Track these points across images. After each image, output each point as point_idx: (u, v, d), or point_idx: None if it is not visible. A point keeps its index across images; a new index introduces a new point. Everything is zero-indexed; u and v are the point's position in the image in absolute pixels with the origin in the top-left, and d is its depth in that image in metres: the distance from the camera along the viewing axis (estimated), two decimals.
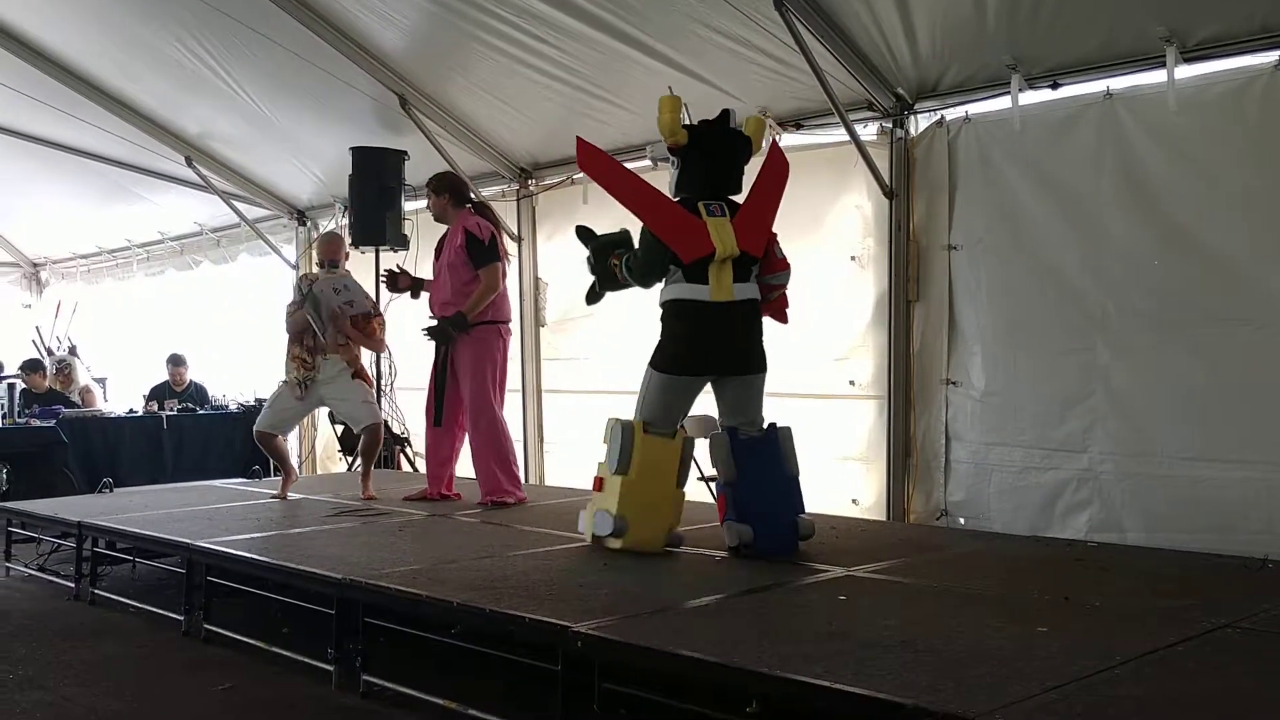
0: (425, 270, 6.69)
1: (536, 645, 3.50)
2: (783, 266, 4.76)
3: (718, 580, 4.09)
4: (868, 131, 6.08)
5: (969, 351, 5.77)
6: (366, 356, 7.25)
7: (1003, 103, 5.54)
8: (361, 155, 7.93)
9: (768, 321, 4.84)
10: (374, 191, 7.86)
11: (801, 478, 4.70)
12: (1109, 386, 5.23)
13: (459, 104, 7.56)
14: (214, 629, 4.98)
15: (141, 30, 7.70)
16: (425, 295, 6.40)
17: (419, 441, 8.42)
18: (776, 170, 4.80)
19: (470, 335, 6.09)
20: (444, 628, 3.88)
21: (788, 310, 4.91)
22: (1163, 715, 2.56)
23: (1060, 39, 5.17)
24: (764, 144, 4.88)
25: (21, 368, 9.88)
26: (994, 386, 5.66)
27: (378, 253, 8.11)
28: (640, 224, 4.62)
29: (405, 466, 8.35)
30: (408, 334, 8.26)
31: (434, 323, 6.20)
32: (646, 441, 4.53)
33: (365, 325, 6.70)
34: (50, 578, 6.27)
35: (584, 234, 4.96)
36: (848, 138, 5.92)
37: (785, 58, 5.81)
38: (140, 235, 11.76)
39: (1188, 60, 4.90)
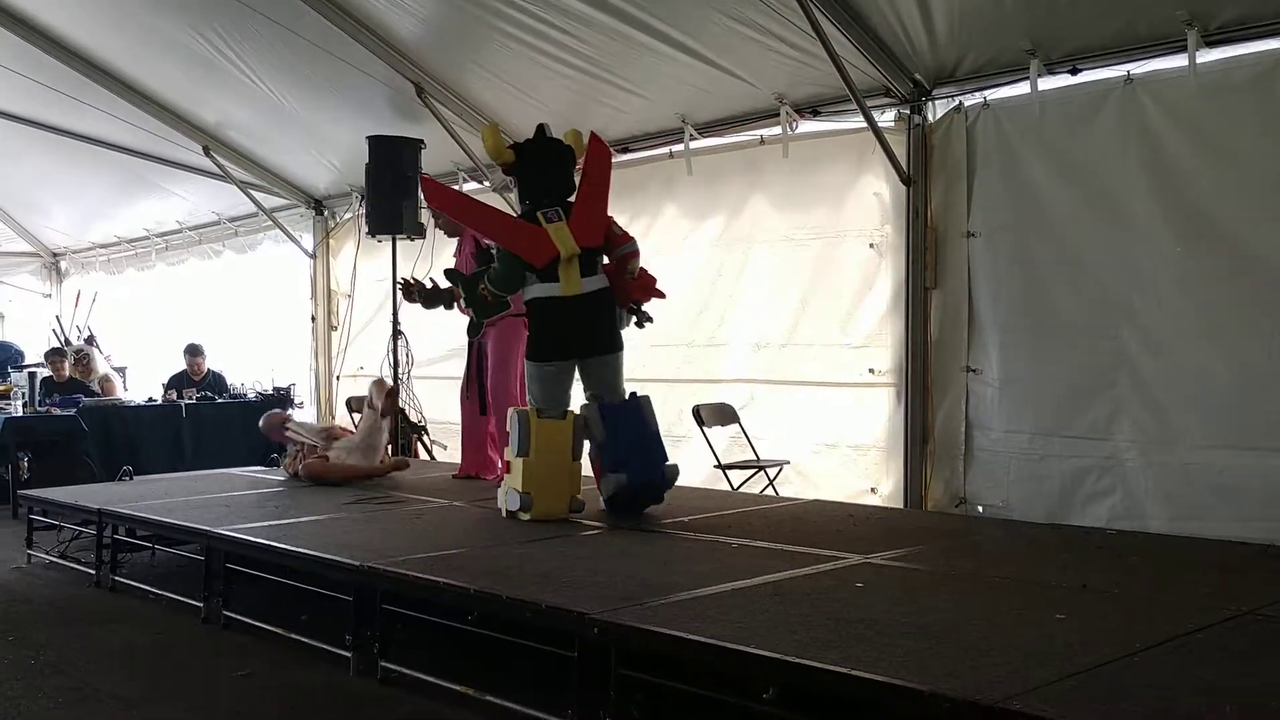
0: (444, 258, 6.78)
1: (553, 631, 3.50)
2: (624, 240, 5.21)
3: (733, 568, 4.08)
4: (885, 118, 6.05)
5: (988, 339, 5.74)
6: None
7: (1022, 88, 5.51)
8: (378, 144, 7.93)
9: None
10: (390, 180, 7.86)
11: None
12: (1133, 374, 5.20)
13: (475, 92, 7.55)
14: (233, 615, 5.00)
15: (160, 21, 7.73)
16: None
17: (435, 430, 8.47)
18: (597, 162, 5.22)
19: (498, 327, 6.30)
20: (461, 614, 3.88)
21: (655, 285, 5.23)
22: (1182, 703, 2.54)
23: (1080, 23, 5.13)
24: (584, 147, 5.24)
25: (46, 356, 9.94)
26: (1014, 374, 5.63)
27: (394, 241, 8.13)
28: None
29: (423, 455, 8.36)
30: (425, 323, 8.34)
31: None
32: (541, 425, 5.04)
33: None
34: (71, 565, 6.31)
35: (453, 276, 5.64)
36: (865, 124, 5.89)
37: (802, 44, 5.78)
38: (159, 225, 11.82)
39: (1210, 44, 4.85)
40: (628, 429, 5.11)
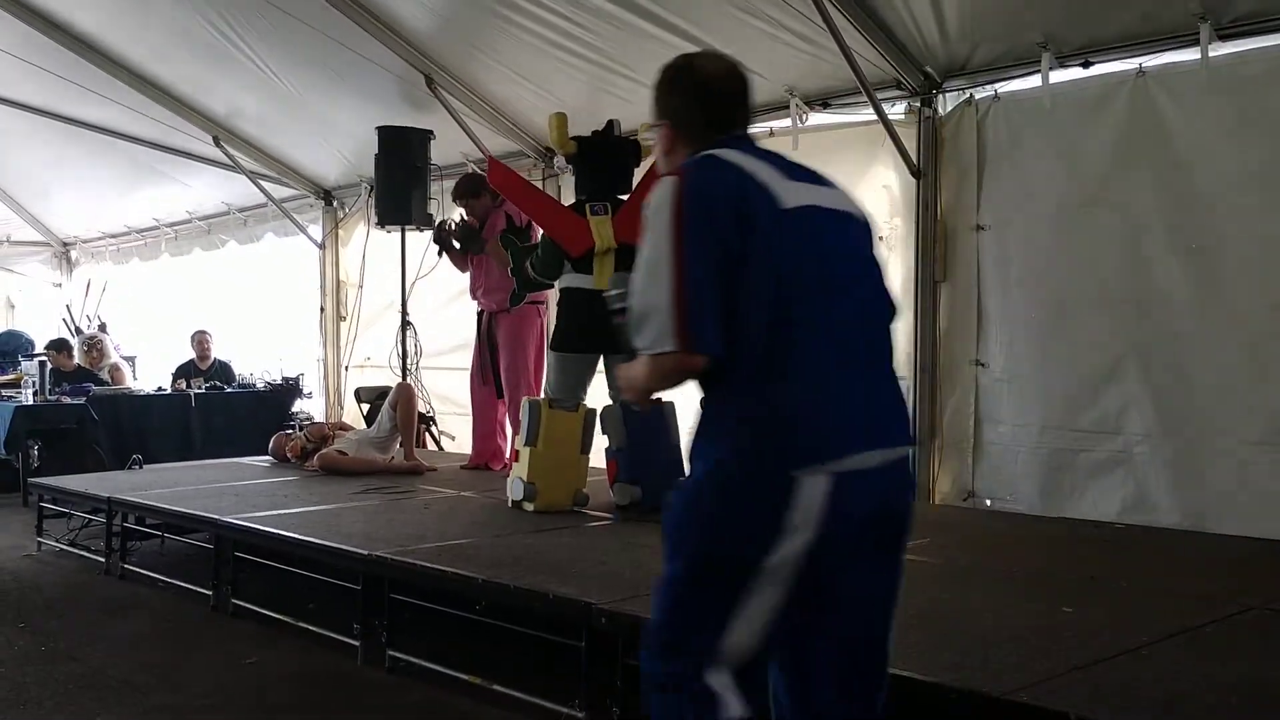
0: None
1: (560, 621, 3.52)
2: None
3: None
4: (895, 111, 6.02)
5: (998, 332, 5.72)
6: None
7: (1033, 81, 5.48)
8: (388, 134, 7.92)
9: None
10: (400, 171, 7.85)
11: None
12: (1143, 368, 5.17)
13: (485, 83, 7.55)
14: (241, 604, 5.03)
15: (171, 10, 7.73)
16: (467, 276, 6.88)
17: (444, 421, 8.49)
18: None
19: (510, 315, 6.42)
20: (469, 603, 3.90)
21: None
22: (1190, 696, 2.54)
23: (1092, 16, 5.10)
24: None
25: (48, 348, 9.96)
26: (1023, 368, 5.62)
27: (403, 232, 8.13)
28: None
29: (431, 445, 8.38)
30: (434, 315, 8.33)
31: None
32: (552, 415, 5.08)
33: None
34: (81, 553, 6.35)
35: (508, 241, 5.70)
36: (875, 117, 5.87)
37: (813, 36, 5.76)
38: (168, 215, 11.83)
39: (1223, 38, 4.82)
40: (649, 439, 5.06)
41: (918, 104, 5.96)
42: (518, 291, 5.72)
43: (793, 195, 2.13)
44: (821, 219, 2.17)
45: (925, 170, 5.92)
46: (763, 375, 2.04)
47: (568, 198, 7.97)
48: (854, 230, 2.28)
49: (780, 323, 2.04)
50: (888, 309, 2.28)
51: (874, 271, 2.27)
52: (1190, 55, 4.93)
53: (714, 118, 2.30)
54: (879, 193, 6.26)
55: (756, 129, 6.59)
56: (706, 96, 2.31)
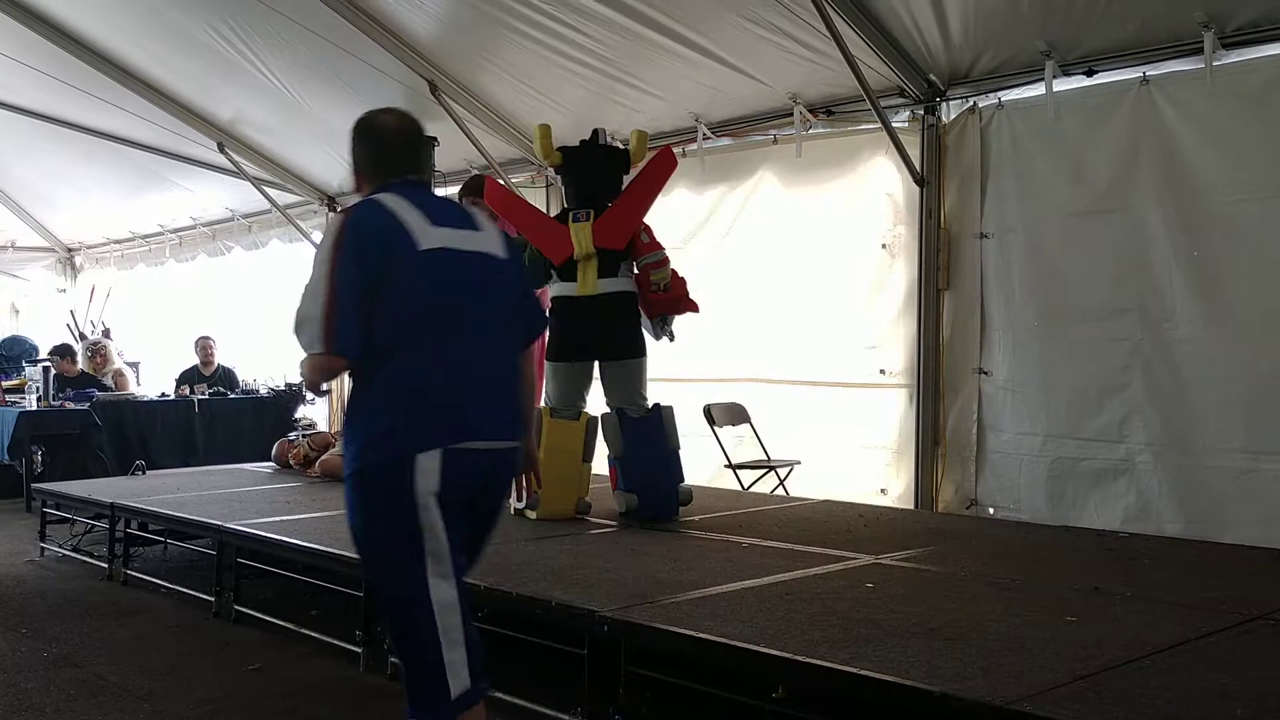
0: None
1: (563, 629, 3.51)
2: (650, 249, 5.14)
3: (744, 566, 4.08)
4: (899, 118, 6.04)
5: (1001, 341, 5.72)
6: None
7: (1036, 89, 5.49)
8: None
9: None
10: None
11: (681, 450, 5.22)
12: (1146, 376, 5.17)
13: (488, 90, 7.56)
14: (244, 610, 5.03)
15: (176, 17, 7.75)
16: None
17: None
18: (649, 171, 5.22)
19: None
20: (471, 611, 3.88)
21: (687, 298, 5.21)
22: (1194, 706, 2.53)
23: (1096, 24, 5.11)
24: (643, 152, 5.28)
25: (52, 353, 9.99)
26: (1026, 376, 5.61)
27: None
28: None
29: None
30: None
31: None
32: (553, 425, 5.07)
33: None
34: (84, 558, 6.35)
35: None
36: (879, 125, 5.88)
37: (817, 44, 5.78)
38: (173, 221, 11.85)
39: (1226, 46, 4.83)
40: (646, 446, 5.09)
41: (921, 112, 5.97)
42: None
43: (431, 238, 2.70)
44: (451, 258, 2.72)
45: (929, 178, 5.93)
46: (393, 376, 2.63)
47: None
48: (487, 267, 2.81)
49: (409, 338, 2.63)
50: (515, 331, 2.89)
51: (502, 300, 2.83)
52: (1194, 63, 4.94)
53: (387, 165, 2.87)
54: (882, 200, 6.27)
55: (761, 136, 6.75)
56: (381, 147, 2.89)
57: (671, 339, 5.28)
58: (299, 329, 2.66)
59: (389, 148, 2.89)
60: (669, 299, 5.15)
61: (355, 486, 2.67)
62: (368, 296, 2.59)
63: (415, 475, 2.57)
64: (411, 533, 2.59)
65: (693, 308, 5.22)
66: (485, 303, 2.77)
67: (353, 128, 2.92)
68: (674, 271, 5.17)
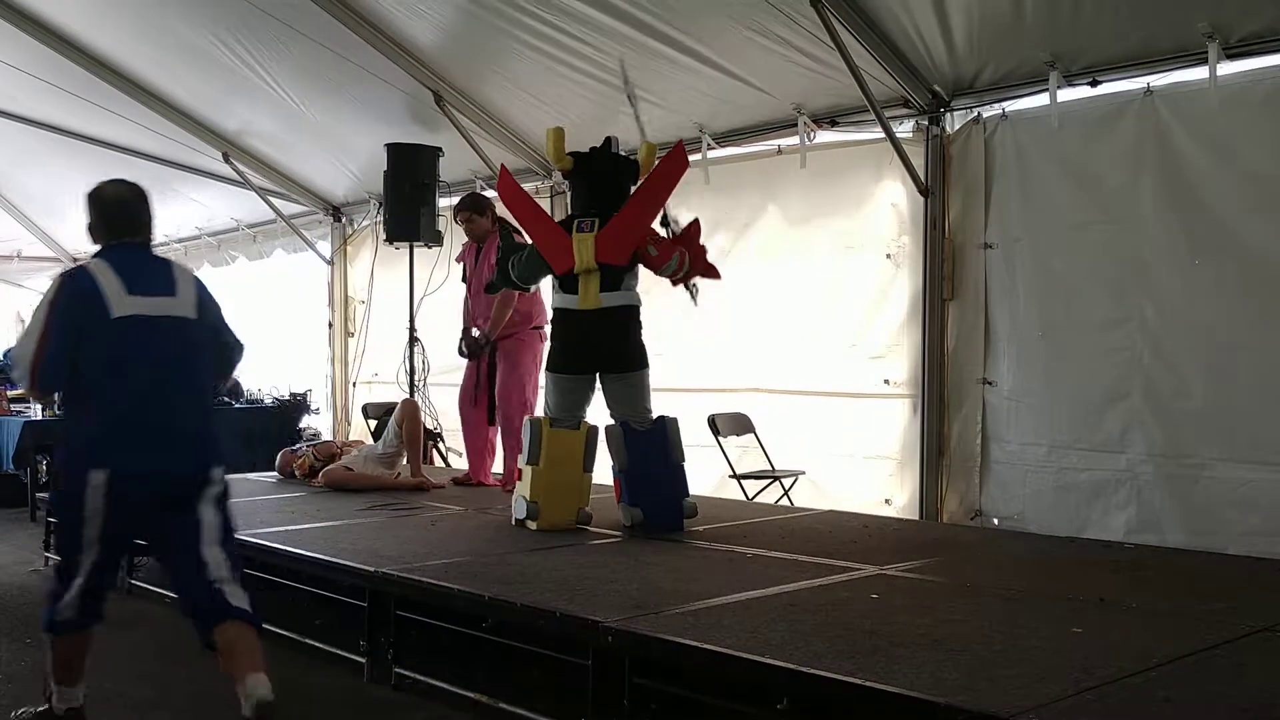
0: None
1: (567, 639, 3.51)
2: (662, 260, 5.04)
3: (748, 578, 4.07)
4: (903, 129, 6.05)
5: (1004, 351, 5.72)
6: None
7: (1040, 100, 5.50)
8: (396, 151, 7.96)
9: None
10: (409, 188, 7.89)
11: (685, 463, 5.20)
12: (1149, 387, 5.17)
13: (493, 100, 7.58)
14: None
15: (182, 28, 7.78)
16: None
17: (451, 437, 8.48)
18: (655, 179, 5.11)
19: (508, 341, 6.55)
20: (475, 621, 3.89)
21: (706, 263, 5.11)
22: (1199, 718, 2.52)
23: (1100, 35, 5.12)
24: (652, 162, 5.19)
25: None
26: (1030, 386, 5.61)
27: (411, 249, 8.16)
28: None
29: (438, 461, 8.38)
30: (442, 331, 8.33)
31: (472, 335, 6.80)
32: (553, 435, 5.08)
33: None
34: None
35: (505, 235, 5.74)
36: (883, 135, 5.88)
37: (821, 55, 5.79)
38: (178, 231, 11.88)
39: (1231, 57, 4.83)
40: (651, 460, 5.06)
41: (925, 122, 5.98)
42: (494, 281, 5.68)
43: (125, 306, 3.35)
44: (141, 324, 3.37)
45: (933, 188, 5.93)
46: (85, 411, 3.39)
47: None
48: (172, 329, 3.45)
49: (101, 384, 3.34)
50: (204, 375, 3.64)
51: (186, 355, 3.50)
52: (1198, 74, 4.94)
53: (106, 230, 3.53)
54: (887, 210, 6.27)
55: (765, 146, 6.75)
56: (101, 213, 3.55)
57: (696, 298, 5.22)
58: (14, 366, 3.45)
59: (106, 214, 3.54)
60: (696, 269, 5.05)
61: (53, 480, 3.62)
62: (73, 346, 3.31)
63: (87, 483, 3.30)
64: (80, 515, 3.35)
65: (713, 273, 5.11)
66: (165, 362, 3.41)
67: (86, 196, 3.56)
68: (683, 252, 5.03)
